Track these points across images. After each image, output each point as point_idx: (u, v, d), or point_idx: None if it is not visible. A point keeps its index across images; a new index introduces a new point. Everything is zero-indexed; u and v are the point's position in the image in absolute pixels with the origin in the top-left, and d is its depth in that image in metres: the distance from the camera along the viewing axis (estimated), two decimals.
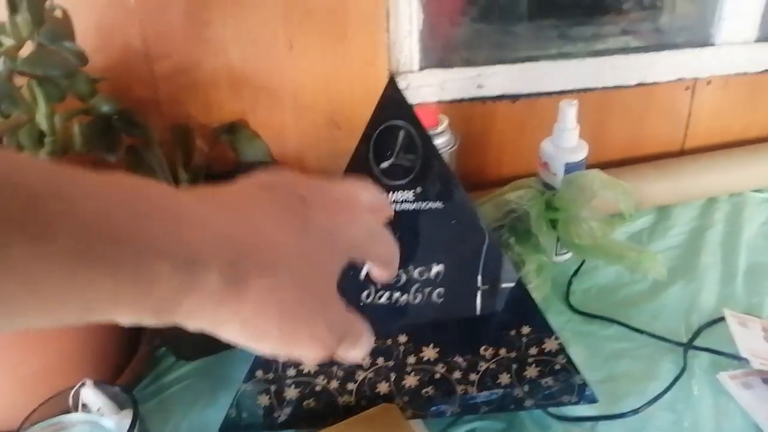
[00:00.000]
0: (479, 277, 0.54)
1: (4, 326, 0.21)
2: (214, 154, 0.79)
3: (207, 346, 0.66)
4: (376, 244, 0.33)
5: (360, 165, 0.52)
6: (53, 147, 0.55)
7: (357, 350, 0.31)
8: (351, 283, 0.53)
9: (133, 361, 0.63)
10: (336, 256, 0.30)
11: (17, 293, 0.20)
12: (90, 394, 0.48)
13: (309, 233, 0.29)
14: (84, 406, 0.48)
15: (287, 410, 0.56)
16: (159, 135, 0.74)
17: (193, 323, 0.25)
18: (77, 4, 0.65)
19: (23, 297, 0.20)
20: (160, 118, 0.77)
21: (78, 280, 0.21)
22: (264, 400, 0.55)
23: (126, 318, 0.23)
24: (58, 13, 0.59)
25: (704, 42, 0.93)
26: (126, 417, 0.47)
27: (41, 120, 0.53)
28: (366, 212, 0.32)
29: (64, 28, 0.57)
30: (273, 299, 0.26)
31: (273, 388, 0.55)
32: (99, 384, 0.49)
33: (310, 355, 0.29)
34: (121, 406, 0.49)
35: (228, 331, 0.26)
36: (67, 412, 0.46)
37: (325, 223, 0.29)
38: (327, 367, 0.55)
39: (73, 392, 0.48)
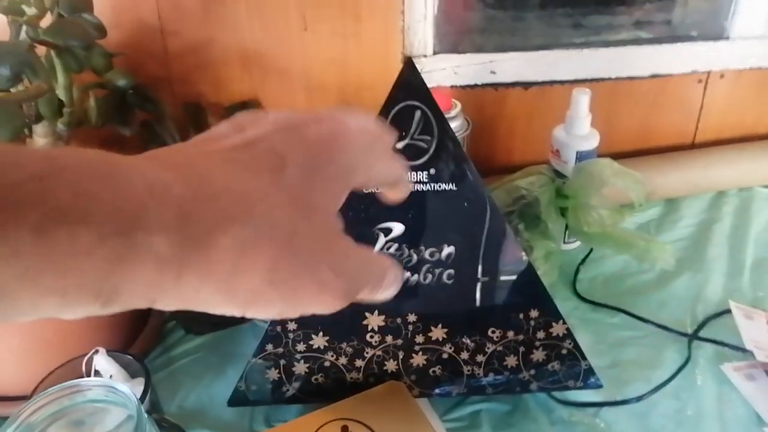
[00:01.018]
0: (479, 268, 0.55)
1: None
2: None
3: (217, 320, 0.67)
4: (377, 161, 0.28)
5: None
6: (70, 118, 0.56)
7: (386, 289, 0.27)
8: None
9: (143, 333, 0.64)
10: (330, 188, 0.26)
11: None
12: (103, 362, 0.49)
13: (286, 170, 0.24)
14: (96, 372, 0.48)
15: (296, 385, 0.56)
16: (171, 112, 0.74)
17: (161, 302, 0.21)
18: None
19: None
20: (172, 95, 0.78)
21: None
22: (273, 374, 0.56)
23: (58, 306, 0.19)
24: None
25: (718, 35, 0.92)
26: (138, 385, 0.48)
27: (60, 91, 0.54)
28: (355, 133, 0.27)
29: (82, 1, 0.58)
30: (255, 252, 0.22)
31: (282, 362, 0.56)
32: (111, 352, 0.50)
33: (323, 307, 0.25)
34: (132, 375, 0.50)
35: (211, 304, 0.22)
36: (80, 377, 0.47)
37: (304, 154, 0.25)
38: (336, 343, 0.55)
39: (86, 359, 0.49)
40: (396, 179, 0.30)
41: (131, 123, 0.65)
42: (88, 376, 0.49)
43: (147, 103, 0.68)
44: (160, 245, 0.20)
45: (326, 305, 0.25)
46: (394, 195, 0.32)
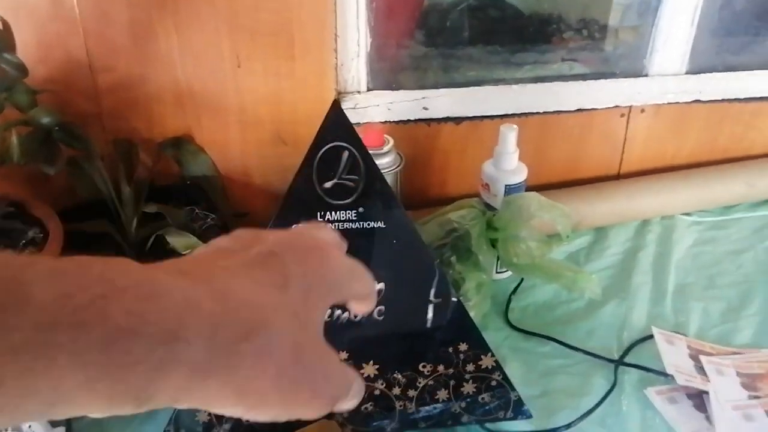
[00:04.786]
0: (432, 291, 0.56)
1: None
2: (158, 169, 0.78)
3: None
4: (355, 282, 0.32)
5: (303, 184, 0.53)
6: None
7: (352, 400, 0.29)
8: None
9: None
10: (320, 305, 0.29)
11: None
12: None
13: (289, 287, 0.27)
14: None
15: (226, 426, 0.55)
16: (102, 148, 0.73)
17: (182, 402, 0.24)
18: (19, 14, 0.64)
19: None
20: (103, 131, 0.77)
21: (44, 372, 0.19)
22: (203, 416, 0.55)
23: (102, 409, 0.21)
24: None
25: (639, 72, 0.97)
26: None
27: None
28: (337, 252, 0.31)
29: (4, 40, 0.57)
30: (266, 362, 0.25)
31: None
32: None
33: (313, 412, 0.27)
34: (53, 423, 0.48)
35: (223, 405, 0.25)
36: None
37: (303, 273, 0.28)
38: None
39: None
40: (368, 294, 0.34)
41: (56, 161, 0.63)
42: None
43: (74, 140, 0.67)
44: (195, 354, 0.23)
45: (316, 411, 0.27)
46: (361, 308, 0.34)
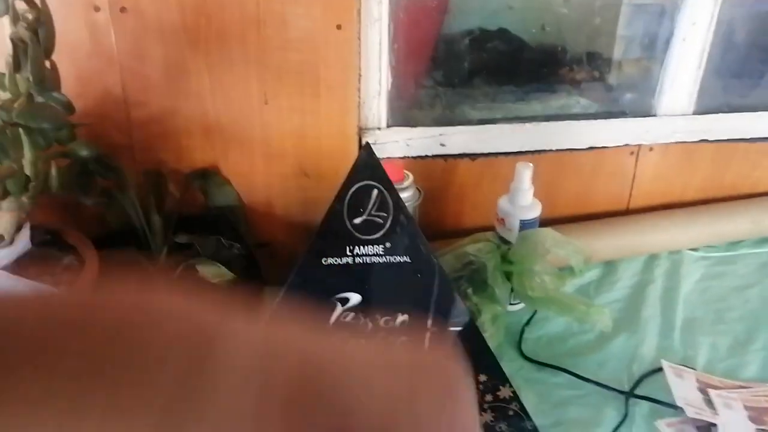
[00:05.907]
0: (429, 321, 0.58)
1: None
2: (185, 199, 0.81)
3: None
4: None
5: (335, 220, 0.56)
6: (34, 191, 0.57)
7: None
8: None
9: None
10: None
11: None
12: None
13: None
14: None
15: None
16: (132, 179, 0.76)
17: None
18: (60, 50, 0.67)
19: None
20: (133, 162, 0.80)
21: None
22: None
23: None
24: (46, 64, 0.61)
25: (647, 112, 1.01)
26: None
27: (27, 166, 0.55)
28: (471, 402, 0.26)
29: (52, 79, 0.60)
30: None
31: None
32: None
33: None
34: None
35: None
36: None
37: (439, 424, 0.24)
38: None
39: None
40: None
41: (92, 192, 0.66)
42: None
43: (109, 172, 0.70)
44: None
45: None
46: None
